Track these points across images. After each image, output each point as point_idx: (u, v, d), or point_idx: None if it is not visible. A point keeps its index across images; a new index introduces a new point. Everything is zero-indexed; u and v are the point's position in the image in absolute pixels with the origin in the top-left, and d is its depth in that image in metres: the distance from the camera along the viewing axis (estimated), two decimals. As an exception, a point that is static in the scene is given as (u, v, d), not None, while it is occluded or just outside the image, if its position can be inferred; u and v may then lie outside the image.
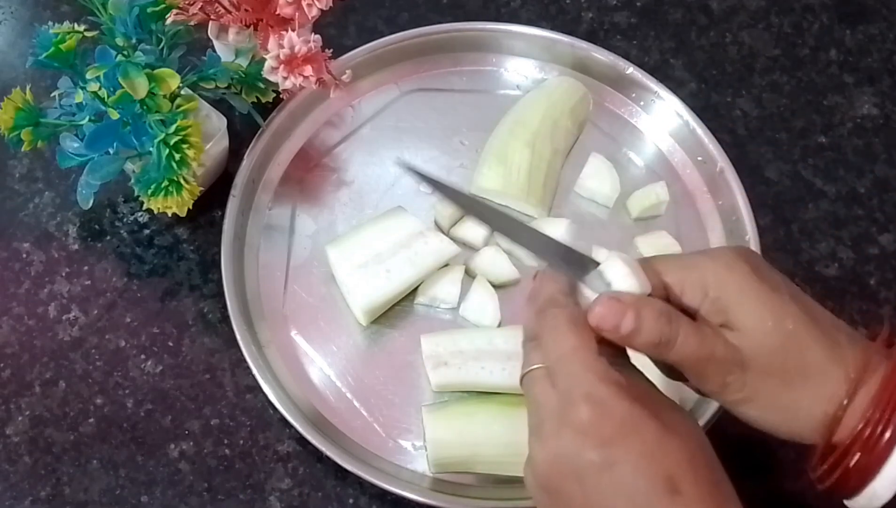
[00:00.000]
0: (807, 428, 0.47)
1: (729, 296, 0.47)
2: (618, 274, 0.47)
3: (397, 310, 0.69)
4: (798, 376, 0.46)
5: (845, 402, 0.45)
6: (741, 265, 0.48)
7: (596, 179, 0.73)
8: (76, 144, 0.64)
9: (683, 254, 0.49)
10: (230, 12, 0.68)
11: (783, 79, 0.82)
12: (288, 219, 0.72)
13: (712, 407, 0.63)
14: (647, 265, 0.49)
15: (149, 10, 0.65)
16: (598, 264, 0.49)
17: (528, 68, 0.79)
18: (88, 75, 0.62)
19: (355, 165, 0.75)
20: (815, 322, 0.47)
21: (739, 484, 0.65)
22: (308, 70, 0.66)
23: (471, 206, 0.54)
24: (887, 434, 0.44)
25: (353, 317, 0.68)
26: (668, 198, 0.73)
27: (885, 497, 0.45)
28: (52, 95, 0.66)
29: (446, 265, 0.69)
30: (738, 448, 0.65)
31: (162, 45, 0.66)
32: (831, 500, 0.63)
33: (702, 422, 0.62)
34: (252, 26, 0.69)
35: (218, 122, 0.69)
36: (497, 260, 0.70)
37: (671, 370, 0.50)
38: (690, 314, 0.49)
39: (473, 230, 0.70)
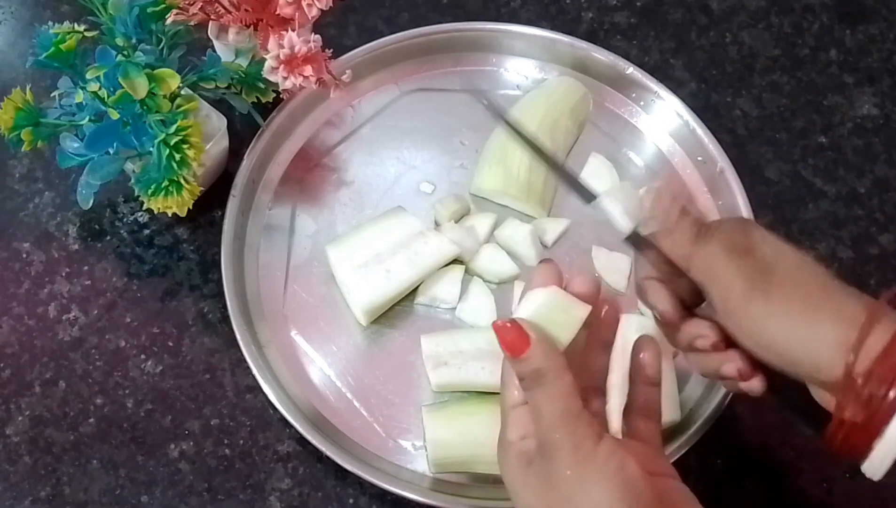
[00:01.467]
0: (825, 356, 0.46)
1: (747, 235, 0.49)
2: (525, 309, 0.49)
3: (397, 310, 0.69)
4: (819, 299, 0.47)
5: (863, 330, 0.45)
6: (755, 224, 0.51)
7: (596, 180, 0.73)
8: (76, 144, 0.64)
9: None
10: (230, 12, 0.68)
11: (783, 79, 0.82)
12: (288, 219, 0.72)
13: (713, 405, 0.63)
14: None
15: (149, 10, 0.65)
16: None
17: (528, 68, 0.79)
18: (88, 75, 0.62)
19: (355, 165, 0.75)
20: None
21: (740, 484, 0.65)
22: (308, 70, 0.66)
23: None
24: (891, 394, 0.44)
25: (353, 317, 0.68)
26: (668, 198, 0.73)
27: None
28: (52, 95, 0.66)
29: (446, 265, 0.69)
30: (739, 448, 0.66)
31: (162, 45, 0.66)
32: (831, 494, 0.63)
33: (701, 422, 0.62)
34: (252, 26, 0.69)
35: (218, 122, 0.69)
36: (496, 258, 0.70)
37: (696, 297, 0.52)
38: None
39: (473, 230, 0.70)
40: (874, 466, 0.45)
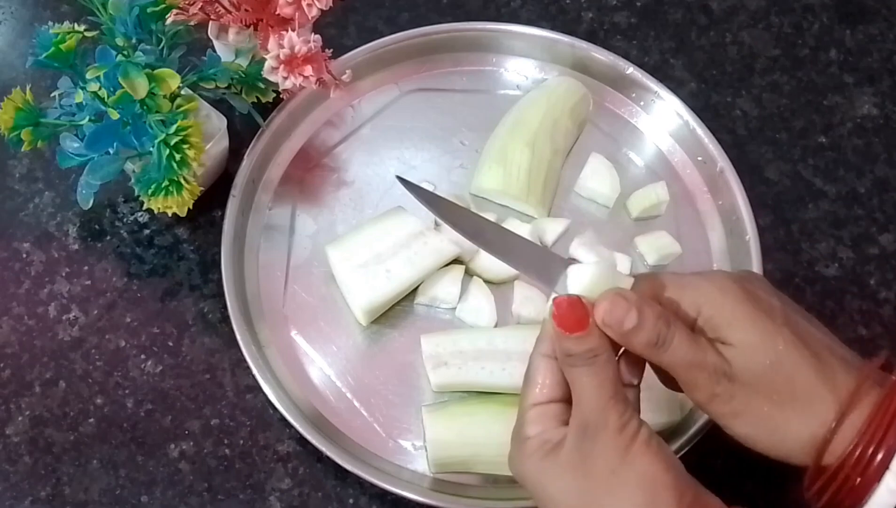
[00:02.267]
0: (795, 449, 0.47)
1: (721, 316, 0.48)
2: (578, 284, 0.48)
3: (397, 310, 0.69)
4: (786, 396, 0.47)
5: (833, 425, 0.46)
6: (735, 289, 0.49)
7: (596, 179, 0.73)
8: (76, 144, 0.64)
9: (682, 274, 0.51)
10: (230, 12, 0.68)
11: (783, 79, 0.82)
12: (288, 219, 0.72)
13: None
14: (645, 280, 0.50)
15: (149, 10, 0.65)
16: (567, 263, 0.51)
17: (528, 68, 0.79)
18: (88, 75, 0.62)
19: (355, 165, 0.75)
20: (806, 346, 0.48)
21: (740, 485, 0.65)
22: (308, 70, 0.66)
23: (455, 218, 0.56)
24: (878, 457, 0.44)
25: (353, 317, 0.68)
26: (668, 198, 0.73)
27: None
28: (52, 95, 0.66)
29: (446, 265, 0.69)
30: (739, 448, 0.66)
31: (162, 45, 0.66)
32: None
33: (702, 422, 0.62)
34: (252, 26, 0.69)
35: (218, 122, 0.69)
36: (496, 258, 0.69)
37: (666, 379, 0.51)
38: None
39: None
40: None
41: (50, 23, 0.64)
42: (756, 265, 0.69)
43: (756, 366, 0.47)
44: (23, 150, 0.64)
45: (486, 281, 0.70)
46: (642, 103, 0.78)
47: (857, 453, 0.45)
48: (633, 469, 0.45)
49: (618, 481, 0.45)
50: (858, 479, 0.45)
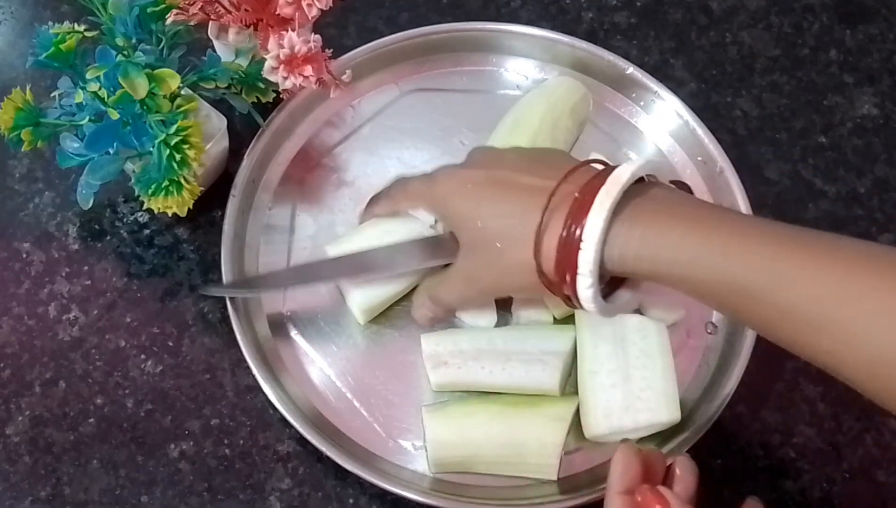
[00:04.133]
0: (529, 278, 0.55)
1: (444, 207, 0.60)
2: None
3: (397, 310, 0.69)
4: (504, 241, 0.56)
5: (540, 222, 0.53)
6: (444, 185, 0.60)
7: (596, 179, 0.73)
8: (76, 144, 0.64)
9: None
10: (230, 12, 0.68)
11: (783, 79, 0.82)
12: (288, 219, 0.72)
13: (713, 405, 0.63)
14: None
15: (149, 10, 0.65)
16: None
17: (528, 68, 0.79)
18: (88, 75, 0.62)
19: (355, 165, 0.75)
20: (507, 191, 0.56)
21: (740, 484, 0.65)
22: (308, 70, 0.66)
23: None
24: (577, 233, 0.51)
25: (353, 317, 0.68)
26: (668, 198, 0.73)
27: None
28: (52, 95, 0.66)
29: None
30: (739, 448, 0.66)
31: (162, 45, 0.66)
32: (831, 494, 0.63)
33: (701, 422, 0.62)
34: (252, 26, 0.69)
35: (218, 122, 0.69)
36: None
37: None
38: None
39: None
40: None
41: (50, 23, 0.64)
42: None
43: (472, 238, 0.58)
44: (23, 150, 0.64)
45: (486, 281, 0.70)
46: (642, 103, 0.78)
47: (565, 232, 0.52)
48: None
49: None
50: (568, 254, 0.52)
